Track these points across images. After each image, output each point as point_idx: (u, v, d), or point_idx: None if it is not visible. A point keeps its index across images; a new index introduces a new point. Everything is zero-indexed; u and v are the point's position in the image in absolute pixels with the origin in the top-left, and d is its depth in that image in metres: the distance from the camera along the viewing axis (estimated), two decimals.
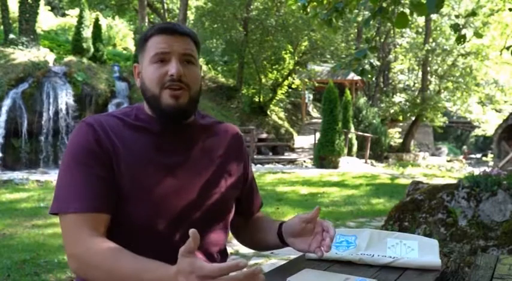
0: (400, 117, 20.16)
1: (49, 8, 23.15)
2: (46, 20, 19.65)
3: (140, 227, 1.07)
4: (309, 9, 4.00)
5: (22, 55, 12.57)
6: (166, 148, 1.12)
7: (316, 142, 13.45)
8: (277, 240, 1.20)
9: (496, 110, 22.09)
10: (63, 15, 22.98)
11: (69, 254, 1.00)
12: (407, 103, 19.86)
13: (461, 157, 25.16)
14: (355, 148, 15.17)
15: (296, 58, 17.69)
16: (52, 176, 9.38)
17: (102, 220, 1.02)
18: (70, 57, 13.52)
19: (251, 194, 1.33)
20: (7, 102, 11.23)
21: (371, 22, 3.62)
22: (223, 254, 1.22)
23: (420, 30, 21.53)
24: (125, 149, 1.08)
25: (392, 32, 20.56)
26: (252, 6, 17.14)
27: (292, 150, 16.29)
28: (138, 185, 1.07)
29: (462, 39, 3.65)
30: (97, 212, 1.01)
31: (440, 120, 20.21)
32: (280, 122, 18.05)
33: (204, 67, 19.61)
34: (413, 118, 19.85)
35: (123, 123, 1.13)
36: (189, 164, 1.14)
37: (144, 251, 0.94)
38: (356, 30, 21.91)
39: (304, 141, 17.11)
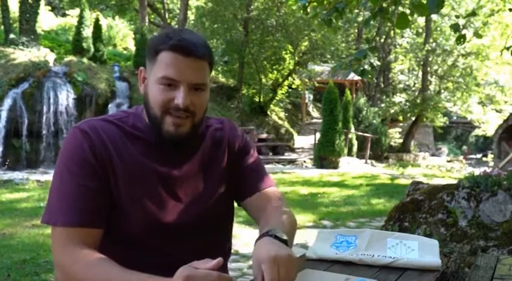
0: (400, 118, 20.15)
1: (49, 8, 23.14)
2: (46, 20, 19.64)
3: (134, 240, 1.05)
4: (309, 10, 4.00)
5: (22, 55, 12.57)
6: (163, 159, 1.09)
7: (316, 142, 13.45)
8: None
9: (497, 111, 22.06)
10: (64, 15, 22.97)
11: (56, 265, 0.98)
12: (408, 103, 19.85)
13: (461, 157, 25.13)
14: (355, 148, 15.17)
15: (296, 58, 17.68)
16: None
17: (91, 233, 1.00)
18: (70, 57, 13.52)
19: (244, 176, 1.21)
20: (7, 102, 11.23)
21: (371, 22, 3.62)
22: (226, 258, 1.21)
23: (420, 30, 21.53)
24: (120, 158, 1.05)
25: (392, 32, 20.55)
26: (252, 7, 17.13)
27: (292, 150, 16.28)
28: (133, 196, 1.04)
29: (462, 39, 3.65)
30: (85, 226, 0.99)
31: (441, 121, 20.20)
32: (280, 122, 18.05)
33: None
34: (413, 118, 19.85)
35: (119, 131, 1.08)
36: (185, 175, 1.11)
37: (139, 264, 0.93)
38: (356, 30, 21.92)
39: (304, 141, 17.10)
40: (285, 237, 0.96)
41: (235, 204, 1.26)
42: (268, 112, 17.80)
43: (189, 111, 1.04)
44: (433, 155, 23.18)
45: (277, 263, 0.85)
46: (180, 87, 1.03)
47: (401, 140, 20.23)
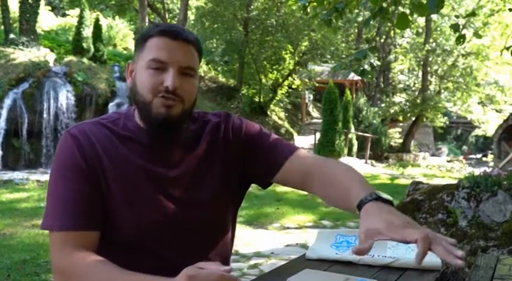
0: (400, 118, 20.15)
1: (49, 8, 23.13)
2: (46, 20, 19.63)
3: (127, 243, 1.05)
4: (309, 10, 4.00)
5: (22, 55, 12.57)
6: (155, 161, 1.07)
7: (317, 142, 13.46)
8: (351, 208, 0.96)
9: (497, 111, 22.07)
10: (64, 15, 22.96)
11: (55, 270, 0.98)
12: (408, 103, 19.86)
13: (461, 157, 25.14)
14: (355, 148, 15.18)
15: (296, 58, 17.68)
16: None
17: (89, 237, 0.99)
18: (70, 57, 13.52)
19: (264, 155, 1.15)
20: (7, 102, 11.23)
21: (371, 22, 3.62)
22: (225, 263, 1.17)
23: (420, 30, 21.52)
24: (111, 162, 1.04)
25: (392, 32, 20.56)
26: (252, 7, 17.14)
27: None
28: (125, 198, 1.04)
29: (462, 40, 3.65)
30: (81, 230, 0.98)
31: (441, 121, 20.21)
32: (280, 122, 18.05)
33: (204, 67, 19.61)
34: (413, 118, 19.85)
35: (110, 133, 1.07)
36: (181, 176, 1.09)
37: (133, 267, 0.91)
38: (356, 30, 21.91)
39: (304, 141, 17.10)
40: (390, 197, 0.92)
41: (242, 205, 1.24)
42: (268, 112, 17.80)
43: (178, 96, 1.03)
44: (433, 155, 23.18)
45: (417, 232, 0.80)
46: (169, 69, 1.03)
47: (401, 140, 20.23)
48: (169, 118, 1.03)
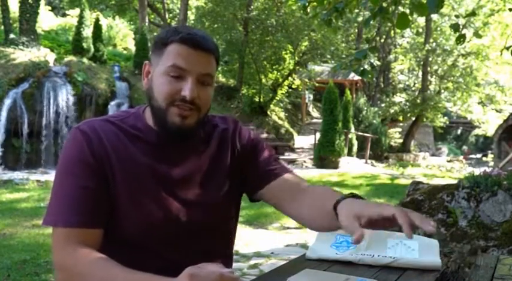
0: (400, 118, 20.15)
1: (49, 8, 23.14)
2: (46, 20, 19.65)
3: (130, 241, 1.05)
4: (309, 10, 4.00)
5: (22, 55, 12.58)
6: (162, 161, 1.08)
7: (317, 142, 13.46)
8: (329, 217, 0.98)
9: (497, 111, 22.06)
10: (64, 15, 22.97)
11: (57, 266, 0.98)
12: (408, 103, 19.85)
13: (461, 157, 25.13)
14: (355, 148, 15.17)
15: (296, 58, 17.67)
16: (52, 176, 9.36)
17: (92, 234, 0.99)
18: (70, 57, 13.53)
19: (259, 168, 1.18)
20: (7, 102, 11.24)
21: (371, 22, 3.62)
22: (227, 264, 1.19)
23: (420, 30, 21.53)
24: (118, 159, 1.04)
25: (392, 32, 20.55)
26: (252, 6, 17.13)
27: (292, 150, 16.28)
28: (130, 196, 1.04)
29: (462, 39, 3.65)
30: (85, 227, 0.98)
31: (441, 121, 20.20)
32: (280, 122, 18.04)
33: None
34: (413, 118, 19.85)
35: (119, 131, 1.08)
36: (187, 177, 1.10)
37: (135, 266, 0.91)
38: (356, 30, 21.91)
39: (304, 141, 17.10)
40: (364, 197, 0.98)
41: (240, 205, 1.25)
42: (268, 112, 17.79)
43: (195, 105, 1.04)
44: (433, 155, 23.18)
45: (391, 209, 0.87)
46: (188, 78, 1.03)
47: (401, 140, 20.23)
48: (184, 127, 1.04)
